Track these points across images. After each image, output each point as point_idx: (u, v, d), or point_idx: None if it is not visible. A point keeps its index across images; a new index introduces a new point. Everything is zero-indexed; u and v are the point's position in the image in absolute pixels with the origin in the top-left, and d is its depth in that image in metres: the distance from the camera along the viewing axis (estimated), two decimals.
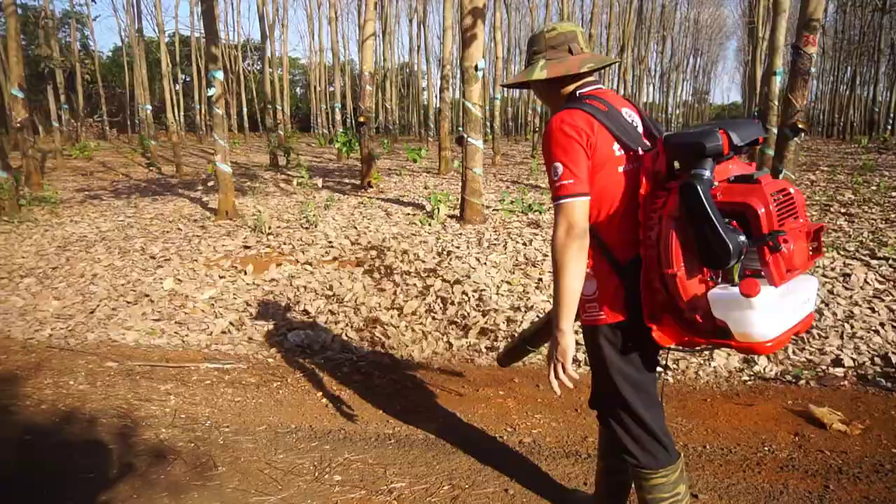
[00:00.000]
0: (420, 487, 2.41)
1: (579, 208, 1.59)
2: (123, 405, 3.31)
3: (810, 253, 1.56)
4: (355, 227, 6.67)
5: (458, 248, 5.72)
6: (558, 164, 1.61)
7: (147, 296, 5.13)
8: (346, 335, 4.33)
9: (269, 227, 6.60)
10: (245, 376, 3.75)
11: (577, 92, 1.77)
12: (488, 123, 16.46)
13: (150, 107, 18.21)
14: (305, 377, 3.69)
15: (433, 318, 4.45)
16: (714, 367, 3.50)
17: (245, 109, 32.49)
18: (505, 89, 18.40)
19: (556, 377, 1.67)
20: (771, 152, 7.54)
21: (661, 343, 1.60)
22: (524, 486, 2.40)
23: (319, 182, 10.13)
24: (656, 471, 1.75)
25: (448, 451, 2.72)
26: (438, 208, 6.91)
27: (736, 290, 1.43)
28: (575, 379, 1.66)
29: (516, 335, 3.53)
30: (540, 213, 7.14)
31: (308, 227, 6.68)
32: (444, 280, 4.95)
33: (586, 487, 2.39)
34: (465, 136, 6.66)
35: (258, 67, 39.62)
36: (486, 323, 4.28)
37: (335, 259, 5.69)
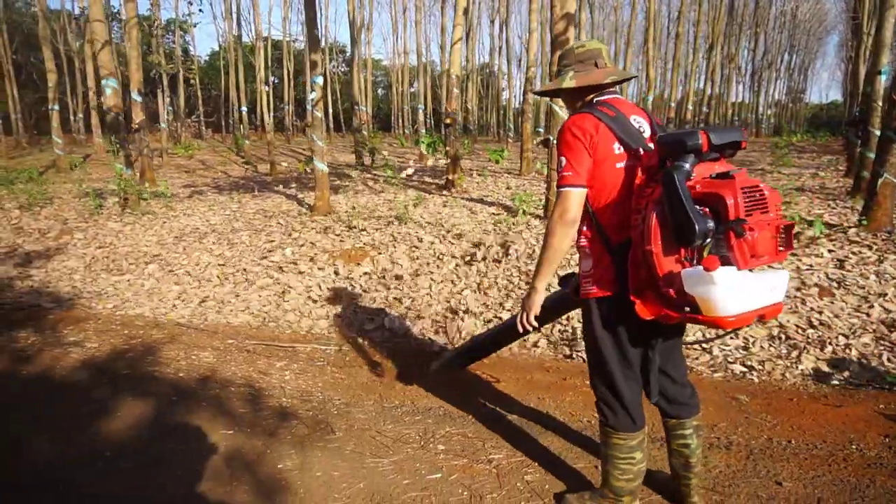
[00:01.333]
0: (516, 459, 2.66)
1: (573, 197, 1.93)
2: (247, 376, 3.75)
3: (780, 248, 1.77)
4: (442, 225, 6.99)
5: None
6: (563, 159, 1.96)
7: (254, 283, 5.65)
8: (433, 326, 4.63)
9: (363, 224, 7.02)
10: (345, 357, 4.13)
11: (595, 100, 2.07)
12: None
13: (245, 108, 19.40)
14: (399, 361, 4.01)
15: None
16: (801, 369, 3.54)
17: (330, 110, 33.74)
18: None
19: (521, 322, 2.14)
20: (871, 155, 7.25)
21: (641, 315, 1.84)
22: None
23: (405, 174, 10.53)
24: (617, 432, 2.07)
25: (539, 431, 2.95)
26: (523, 208, 7.11)
27: (700, 267, 1.66)
28: (535, 326, 2.13)
29: (462, 345, 3.81)
30: None
31: (398, 224, 7.05)
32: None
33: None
34: (552, 138, 6.83)
35: (343, 69, 41.14)
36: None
37: (423, 254, 6.01)
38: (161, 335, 4.56)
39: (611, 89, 2.11)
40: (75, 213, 8.51)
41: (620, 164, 1.96)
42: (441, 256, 5.87)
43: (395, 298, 5.11)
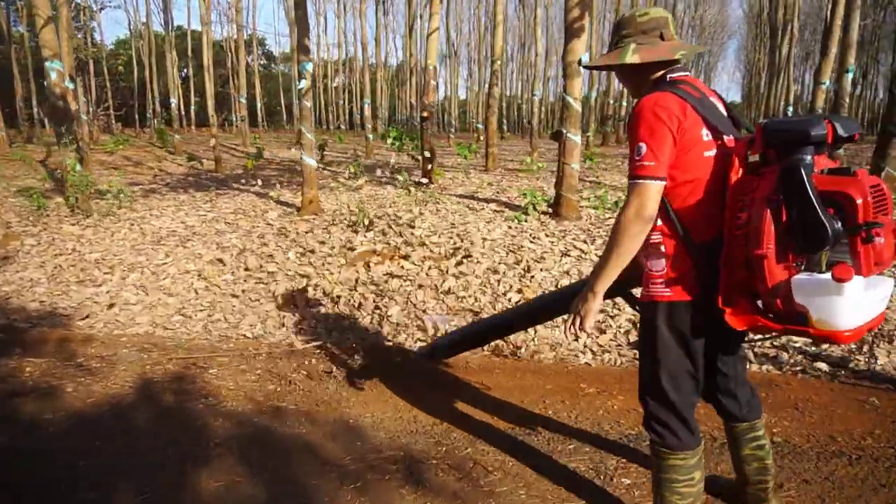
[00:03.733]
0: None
1: (653, 191, 1.66)
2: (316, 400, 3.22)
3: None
4: (452, 224, 6.58)
5: (574, 245, 5.66)
6: (643, 145, 1.66)
7: (264, 292, 5.02)
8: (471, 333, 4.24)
9: (370, 223, 6.48)
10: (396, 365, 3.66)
11: (668, 76, 1.80)
12: (530, 120, 16.34)
13: (174, 100, 17.96)
14: (470, 371, 3.61)
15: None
16: None
17: (258, 104, 32.05)
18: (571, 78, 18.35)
19: (573, 326, 1.82)
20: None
21: (733, 325, 1.63)
22: None
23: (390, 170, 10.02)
24: (676, 453, 1.82)
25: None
26: (534, 205, 6.83)
27: (824, 276, 1.48)
28: (586, 332, 1.86)
29: (463, 328, 3.55)
30: None
31: (405, 224, 6.57)
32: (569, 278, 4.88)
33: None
34: (565, 131, 6.59)
35: (262, 63, 39.29)
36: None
37: (445, 256, 5.59)
38: (190, 358, 3.88)
39: (680, 66, 1.85)
40: (14, 214, 7.37)
41: (709, 153, 1.71)
42: (475, 259, 5.47)
43: (422, 301, 4.68)
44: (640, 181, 1.66)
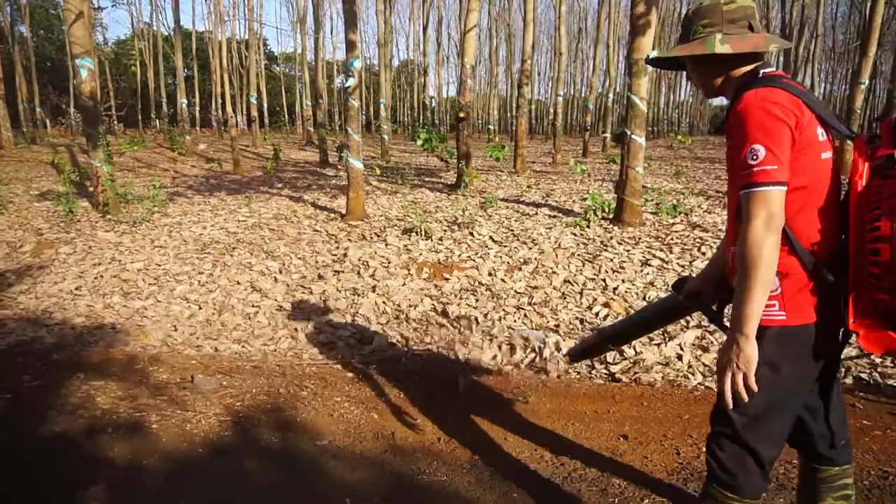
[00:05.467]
0: None
1: (779, 198, 1.44)
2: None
3: None
4: (510, 230, 6.23)
5: (652, 253, 5.32)
6: (759, 147, 1.44)
7: (325, 306, 4.66)
8: (561, 347, 3.89)
9: (429, 230, 6.11)
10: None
11: (759, 72, 1.58)
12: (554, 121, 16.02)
13: (185, 101, 17.54)
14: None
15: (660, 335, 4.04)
16: None
17: (265, 106, 31.58)
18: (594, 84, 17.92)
19: (735, 388, 1.50)
20: None
21: (868, 349, 1.46)
22: None
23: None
24: (743, 498, 1.58)
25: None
26: (594, 210, 6.49)
27: None
28: (753, 391, 1.48)
29: (595, 332, 3.26)
30: (687, 214, 6.78)
31: (462, 230, 6.22)
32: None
33: None
34: (629, 132, 6.26)
35: (264, 63, 38.82)
36: None
37: (516, 266, 5.24)
38: (271, 382, 3.50)
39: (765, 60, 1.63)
40: (43, 220, 6.97)
41: (826, 155, 1.52)
42: (549, 269, 5.12)
43: (526, 316, 4.33)
44: (763, 188, 1.43)
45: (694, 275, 2.39)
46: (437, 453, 2.71)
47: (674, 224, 6.35)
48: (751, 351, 1.47)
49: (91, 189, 8.56)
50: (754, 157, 1.44)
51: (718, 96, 1.72)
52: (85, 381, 3.44)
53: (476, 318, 4.35)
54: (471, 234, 6.05)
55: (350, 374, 3.62)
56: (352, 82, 6.57)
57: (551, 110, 15.13)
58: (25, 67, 21.64)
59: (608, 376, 3.57)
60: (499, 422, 2.96)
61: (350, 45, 6.64)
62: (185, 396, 3.24)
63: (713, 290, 1.89)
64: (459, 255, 5.42)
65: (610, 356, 3.69)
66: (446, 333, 4.18)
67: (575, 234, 6.00)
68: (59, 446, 2.73)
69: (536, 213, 7.04)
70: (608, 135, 19.26)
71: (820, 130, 1.51)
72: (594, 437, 2.83)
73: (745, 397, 1.49)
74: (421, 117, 33.05)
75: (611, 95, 19.59)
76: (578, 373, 3.60)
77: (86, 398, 3.21)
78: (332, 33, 34.70)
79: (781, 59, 18.46)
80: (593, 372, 3.61)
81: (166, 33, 29.01)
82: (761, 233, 1.42)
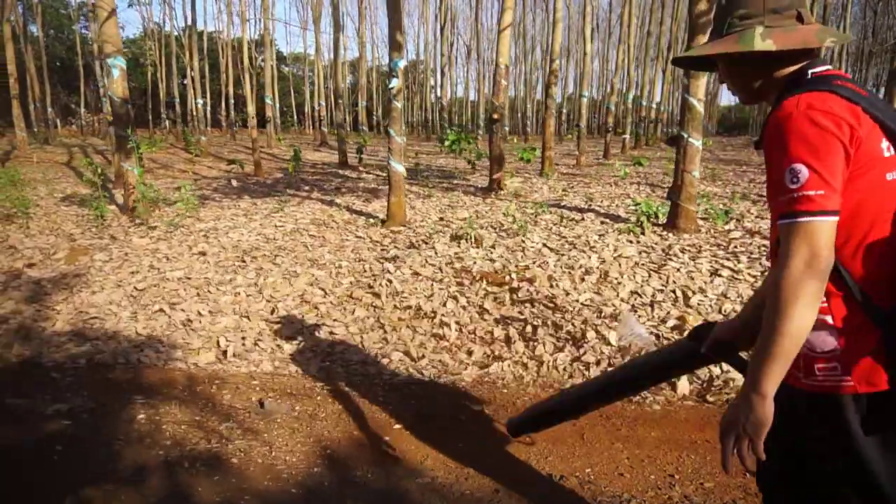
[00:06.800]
0: None
1: (827, 232, 1.14)
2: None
3: None
4: (563, 237, 5.97)
5: (719, 262, 5.06)
6: (801, 167, 1.14)
7: (379, 319, 4.41)
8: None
9: (479, 237, 5.85)
10: None
11: (809, 72, 1.28)
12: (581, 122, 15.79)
13: (201, 101, 17.37)
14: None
15: None
16: None
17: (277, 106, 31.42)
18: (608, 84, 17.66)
19: (741, 456, 1.24)
20: None
21: None
22: None
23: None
24: None
25: None
26: (647, 215, 6.24)
27: None
28: (762, 461, 1.23)
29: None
30: (738, 219, 6.53)
31: (514, 237, 5.96)
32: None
33: None
34: (686, 135, 6.00)
35: (261, 62, 38.58)
36: None
37: (579, 277, 4.98)
38: (344, 409, 3.25)
39: (820, 58, 1.32)
40: (73, 224, 6.74)
41: (892, 175, 1.20)
42: (614, 280, 4.87)
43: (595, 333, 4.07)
44: (805, 219, 1.13)
45: (720, 320, 2.06)
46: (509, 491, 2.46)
47: (730, 231, 6.09)
48: (763, 414, 1.20)
49: (115, 191, 8.35)
50: (795, 180, 1.15)
51: (759, 102, 1.41)
52: (146, 405, 3.20)
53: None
54: (522, 241, 5.80)
55: (421, 391, 3.37)
56: (396, 83, 6.32)
57: (574, 111, 14.81)
58: (37, 67, 21.48)
59: (699, 398, 3.32)
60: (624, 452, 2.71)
61: (395, 45, 6.38)
62: (259, 424, 3.00)
63: (749, 342, 1.54)
64: (516, 265, 5.16)
65: (703, 372, 3.44)
66: (511, 345, 3.93)
67: (631, 242, 5.74)
68: (134, 481, 2.48)
69: (583, 219, 6.78)
70: (627, 136, 19.00)
71: (885, 144, 1.20)
72: (719, 472, 2.58)
73: (752, 468, 1.25)
74: (431, 118, 32.75)
75: (630, 96, 19.29)
76: (665, 396, 3.34)
77: (151, 425, 2.97)
78: (356, 32, 34.42)
79: None
80: (676, 392, 3.35)
81: (176, 33, 28.88)
82: (800, 274, 1.13)
